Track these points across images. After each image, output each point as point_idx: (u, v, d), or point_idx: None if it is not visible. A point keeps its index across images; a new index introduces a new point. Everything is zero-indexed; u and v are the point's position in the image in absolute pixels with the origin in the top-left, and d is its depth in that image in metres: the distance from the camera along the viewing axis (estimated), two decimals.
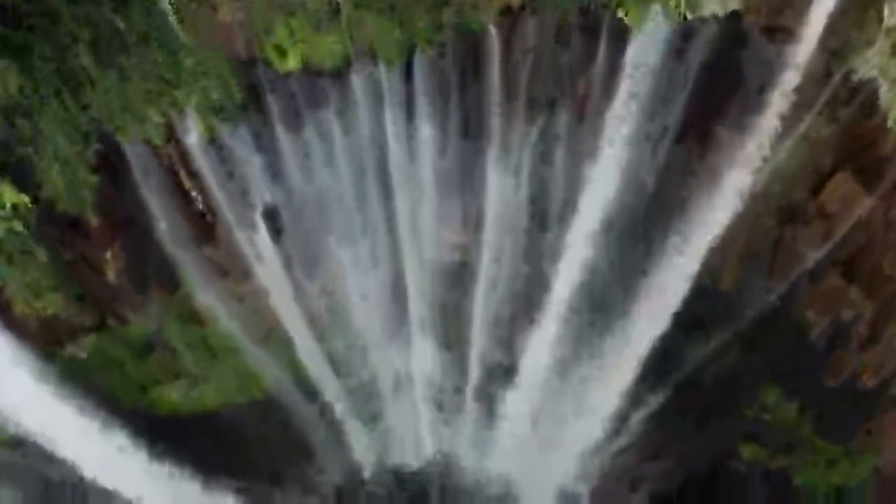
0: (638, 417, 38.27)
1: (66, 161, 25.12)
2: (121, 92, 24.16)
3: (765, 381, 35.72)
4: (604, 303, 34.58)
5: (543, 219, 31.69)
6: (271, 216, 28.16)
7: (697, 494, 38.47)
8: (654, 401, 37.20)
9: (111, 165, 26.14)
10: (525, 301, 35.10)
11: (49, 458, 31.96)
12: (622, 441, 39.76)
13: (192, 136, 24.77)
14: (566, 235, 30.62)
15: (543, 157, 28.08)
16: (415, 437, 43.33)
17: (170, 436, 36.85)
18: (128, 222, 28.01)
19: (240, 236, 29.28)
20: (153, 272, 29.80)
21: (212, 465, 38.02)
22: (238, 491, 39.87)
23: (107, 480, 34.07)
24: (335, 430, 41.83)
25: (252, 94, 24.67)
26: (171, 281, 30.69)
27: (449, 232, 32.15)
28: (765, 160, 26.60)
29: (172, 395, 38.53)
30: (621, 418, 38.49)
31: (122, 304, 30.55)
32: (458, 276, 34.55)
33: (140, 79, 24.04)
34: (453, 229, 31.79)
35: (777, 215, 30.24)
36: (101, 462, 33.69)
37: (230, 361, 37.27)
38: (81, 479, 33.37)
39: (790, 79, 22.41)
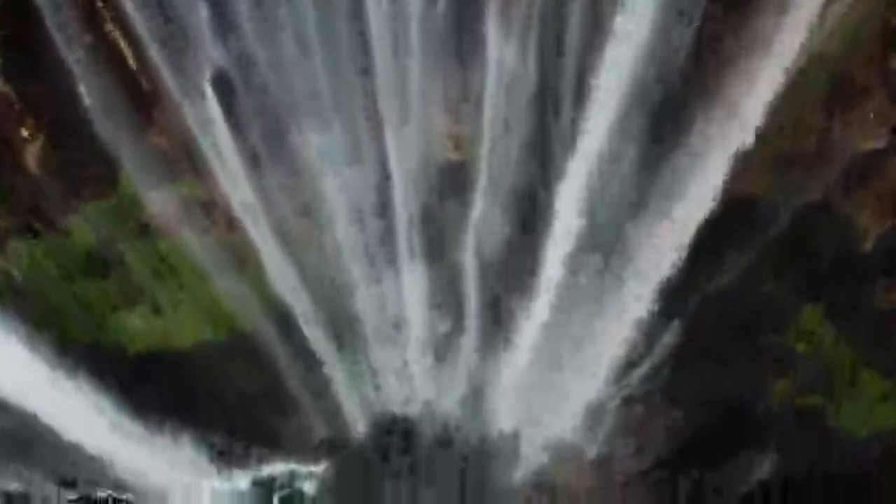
0: (651, 357, 33.56)
1: None
2: None
3: (802, 302, 31.05)
4: (620, 215, 29.87)
5: (555, 101, 26.73)
6: (223, 86, 23.24)
7: (716, 444, 34.32)
8: (669, 336, 32.42)
9: (17, 13, 21.00)
10: (531, 210, 30.35)
11: None
12: (633, 387, 35.11)
13: None
14: (582, 122, 25.66)
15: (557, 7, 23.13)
16: (406, 381, 38.82)
17: (130, 376, 32.92)
18: (46, 93, 22.98)
19: (187, 116, 24.28)
20: (84, 161, 24.82)
21: (182, 414, 34.52)
22: (213, 445, 36.55)
23: (64, 428, 30.27)
24: (318, 374, 37.30)
25: None
26: (107, 175, 25.78)
27: (441, 120, 27.25)
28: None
29: (134, 325, 33.80)
30: (634, 358, 33.72)
31: (49, 203, 25.59)
32: (451, 179, 29.64)
33: None
34: (446, 116, 26.91)
35: (829, 91, 25.40)
36: (54, 408, 29.86)
37: (196, 285, 32.62)
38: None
39: None
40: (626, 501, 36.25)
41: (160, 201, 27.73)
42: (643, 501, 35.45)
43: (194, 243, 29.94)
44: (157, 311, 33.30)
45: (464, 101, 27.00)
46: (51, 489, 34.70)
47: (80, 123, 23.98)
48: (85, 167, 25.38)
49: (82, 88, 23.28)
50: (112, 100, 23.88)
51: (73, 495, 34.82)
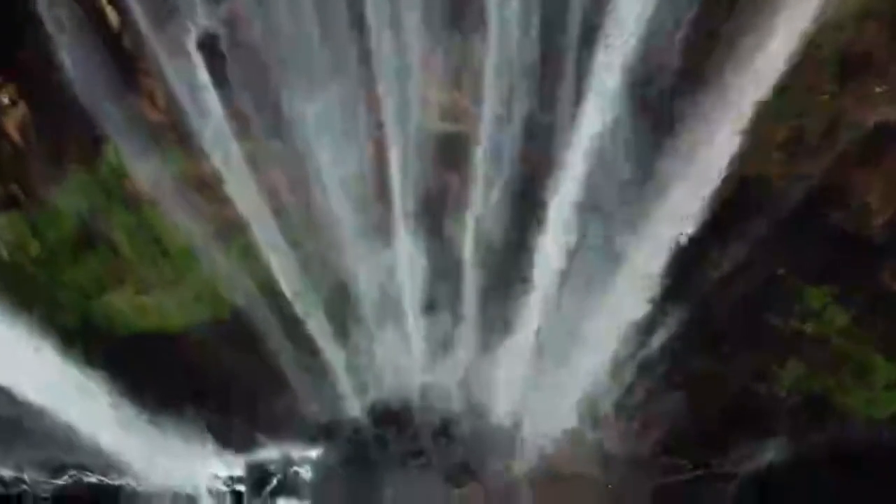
0: (654, 342, 32.89)
1: None
2: None
3: (809, 284, 30.34)
4: (622, 196, 29.00)
5: (557, 73, 25.60)
6: (211, 50, 22.27)
7: (719, 430, 33.60)
8: (673, 321, 31.77)
9: None
10: (533, 187, 29.36)
11: None
12: (637, 370, 34.34)
13: None
14: (583, 98, 24.60)
15: None
16: (404, 364, 37.88)
17: (121, 358, 31.87)
18: (26, 57, 22.09)
19: (174, 82, 23.31)
20: (67, 129, 23.93)
21: (176, 398, 33.71)
22: (208, 429, 35.77)
23: (54, 412, 29.03)
24: (314, 358, 36.44)
25: None
26: (91, 144, 24.87)
27: (439, 90, 26.34)
28: None
29: (122, 306, 32.92)
30: (637, 342, 32.99)
31: (32, 173, 24.72)
32: (450, 151, 28.65)
33: None
34: (445, 83, 25.99)
35: (839, 67, 24.58)
36: (44, 391, 28.56)
37: (186, 262, 31.74)
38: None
39: None
40: (629, 488, 35.65)
41: (146, 172, 26.80)
42: (646, 488, 34.84)
43: (182, 217, 29.05)
44: (146, 290, 32.49)
45: (464, 70, 26.07)
46: (42, 474, 34.29)
47: (62, 89, 23.01)
48: (68, 135, 24.48)
49: (64, 52, 22.33)
50: (95, 64, 22.96)
51: (63, 480, 34.39)
